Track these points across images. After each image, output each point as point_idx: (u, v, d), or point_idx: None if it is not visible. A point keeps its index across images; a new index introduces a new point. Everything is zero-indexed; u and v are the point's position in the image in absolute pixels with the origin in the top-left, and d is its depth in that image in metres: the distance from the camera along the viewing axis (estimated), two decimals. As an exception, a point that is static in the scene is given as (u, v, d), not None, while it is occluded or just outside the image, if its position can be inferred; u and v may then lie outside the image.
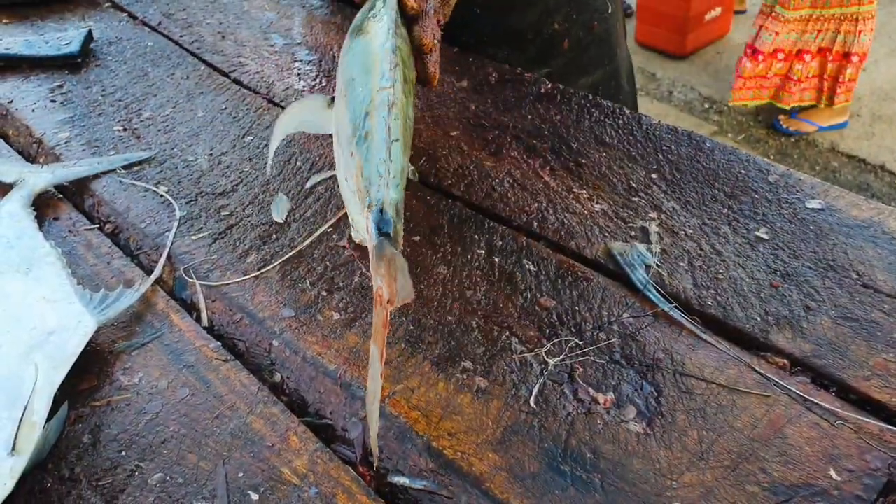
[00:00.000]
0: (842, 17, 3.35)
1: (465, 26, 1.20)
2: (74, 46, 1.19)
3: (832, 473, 0.57)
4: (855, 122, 3.81)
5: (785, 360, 0.66)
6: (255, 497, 0.57)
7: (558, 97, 1.05)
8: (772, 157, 3.67)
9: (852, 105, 3.77)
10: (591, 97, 1.04)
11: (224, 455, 0.60)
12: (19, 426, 0.58)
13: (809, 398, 0.62)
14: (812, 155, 3.68)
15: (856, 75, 3.51)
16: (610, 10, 1.27)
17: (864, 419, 0.60)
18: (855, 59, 3.44)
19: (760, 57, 3.52)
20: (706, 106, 4.11)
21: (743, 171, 0.88)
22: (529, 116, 1.01)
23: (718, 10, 4.44)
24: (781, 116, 3.82)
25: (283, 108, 1.06)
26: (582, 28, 1.24)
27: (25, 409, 0.60)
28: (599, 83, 1.26)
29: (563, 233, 0.82)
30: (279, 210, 0.86)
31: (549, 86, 1.07)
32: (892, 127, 3.78)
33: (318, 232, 0.82)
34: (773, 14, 3.45)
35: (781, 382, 0.64)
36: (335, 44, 1.22)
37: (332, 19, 1.29)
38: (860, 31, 3.38)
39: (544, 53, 1.23)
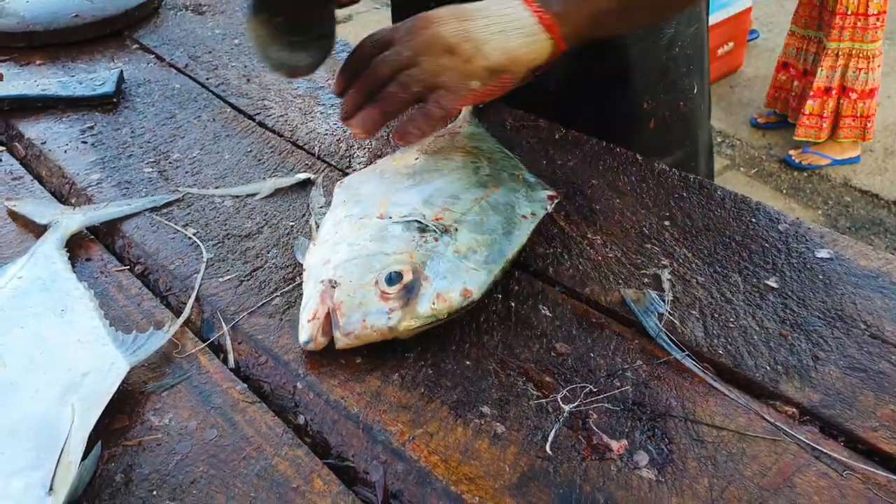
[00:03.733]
0: (849, 53, 3.41)
1: (552, 105, 1.19)
2: (109, 87, 1.23)
3: (839, 523, 0.59)
4: (868, 157, 3.82)
5: (794, 409, 0.68)
6: (280, 538, 0.60)
7: (572, 143, 1.08)
8: (784, 191, 3.69)
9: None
10: (605, 143, 1.07)
11: (251, 496, 0.63)
12: (56, 466, 0.61)
13: (818, 447, 0.64)
14: (825, 189, 3.69)
15: (867, 111, 3.53)
16: (696, 90, 1.26)
17: (873, 470, 0.62)
18: (853, 94, 3.48)
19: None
20: (719, 140, 4.14)
21: (753, 220, 0.90)
22: (545, 162, 1.04)
23: (731, 44, 4.48)
24: (793, 151, 3.84)
25: (305, 150, 1.10)
26: (668, 108, 1.23)
27: (62, 449, 0.62)
28: (679, 164, 1.19)
29: (577, 278, 0.84)
30: (303, 251, 0.89)
31: (564, 132, 1.10)
32: (905, 162, 3.79)
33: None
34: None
35: (790, 431, 0.66)
36: (356, 87, 1.26)
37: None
38: (860, 69, 3.43)
39: (630, 131, 1.22)
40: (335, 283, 0.76)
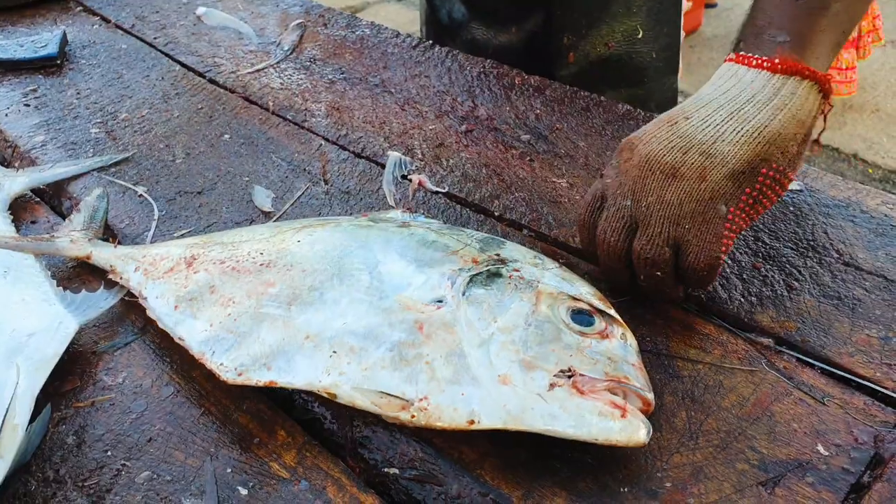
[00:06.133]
0: None
1: (472, 38, 1.21)
2: (52, 48, 1.18)
3: (820, 448, 0.57)
4: (827, 111, 3.84)
5: (770, 340, 0.66)
6: (244, 492, 0.57)
7: (534, 88, 1.05)
8: (747, 148, 3.70)
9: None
10: (567, 87, 1.04)
11: (211, 452, 0.60)
12: (1, 430, 0.57)
13: (795, 376, 0.63)
14: (787, 145, 3.71)
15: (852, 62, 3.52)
16: (640, 35, 1.19)
17: (850, 394, 0.61)
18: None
19: None
20: (680, 99, 4.13)
21: (721, 156, 0.88)
22: (507, 108, 1.01)
23: (689, 4, 4.46)
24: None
25: (260, 106, 1.06)
26: (592, 45, 1.19)
27: (7, 411, 0.59)
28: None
29: (544, 221, 0.82)
30: (261, 199, 0.86)
31: (525, 76, 1.07)
32: (863, 116, 3.82)
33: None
34: None
35: (767, 361, 0.64)
36: (310, 41, 1.22)
37: (307, 19, 1.29)
38: None
39: (550, 62, 1.20)
40: (570, 370, 0.57)
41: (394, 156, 0.91)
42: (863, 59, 3.65)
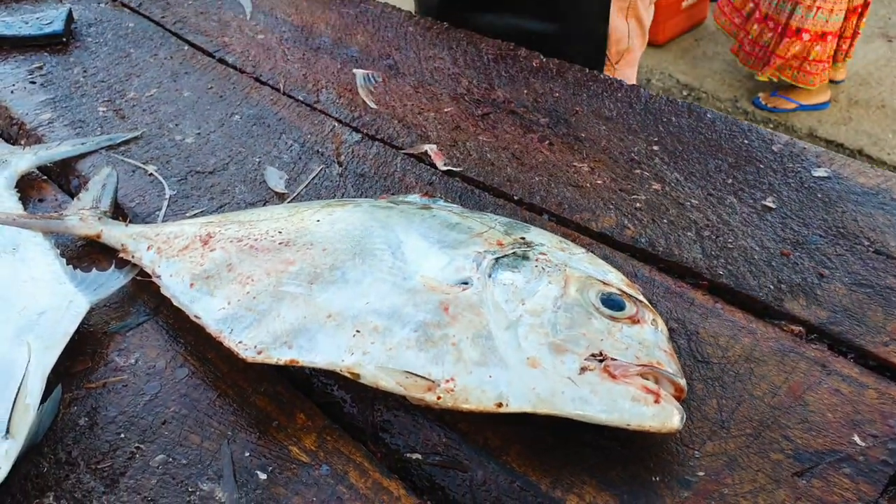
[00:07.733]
0: None
1: None
2: (57, 25, 1.15)
3: (856, 439, 0.55)
4: (833, 107, 3.82)
5: (801, 328, 0.65)
6: (263, 476, 0.55)
7: (554, 71, 1.03)
8: (751, 142, 3.68)
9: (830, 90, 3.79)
10: (588, 71, 1.02)
11: (228, 435, 0.58)
12: (12, 409, 0.56)
13: (828, 365, 0.61)
14: (791, 140, 3.69)
15: (821, 56, 3.50)
16: None
17: (886, 384, 0.59)
18: (805, 35, 3.43)
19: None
20: (684, 93, 4.11)
21: (746, 142, 0.86)
22: (525, 91, 0.99)
23: (695, -3, 4.44)
24: (762, 94, 3.83)
25: (271, 86, 1.04)
26: None
27: (18, 391, 0.57)
28: (535, 35, 1.18)
29: (566, 206, 0.80)
30: (274, 180, 0.84)
31: (544, 60, 1.05)
32: (869, 112, 3.80)
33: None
34: None
35: (798, 350, 0.62)
36: (321, 22, 1.19)
37: (318, -2, 1.26)
38: (808, 7, 3.35)
39: None
40: (601, 355, 0.56)
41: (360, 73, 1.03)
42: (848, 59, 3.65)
